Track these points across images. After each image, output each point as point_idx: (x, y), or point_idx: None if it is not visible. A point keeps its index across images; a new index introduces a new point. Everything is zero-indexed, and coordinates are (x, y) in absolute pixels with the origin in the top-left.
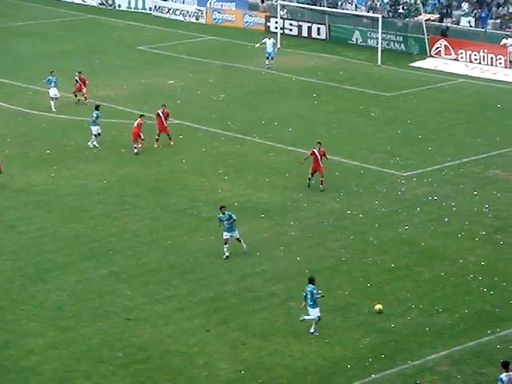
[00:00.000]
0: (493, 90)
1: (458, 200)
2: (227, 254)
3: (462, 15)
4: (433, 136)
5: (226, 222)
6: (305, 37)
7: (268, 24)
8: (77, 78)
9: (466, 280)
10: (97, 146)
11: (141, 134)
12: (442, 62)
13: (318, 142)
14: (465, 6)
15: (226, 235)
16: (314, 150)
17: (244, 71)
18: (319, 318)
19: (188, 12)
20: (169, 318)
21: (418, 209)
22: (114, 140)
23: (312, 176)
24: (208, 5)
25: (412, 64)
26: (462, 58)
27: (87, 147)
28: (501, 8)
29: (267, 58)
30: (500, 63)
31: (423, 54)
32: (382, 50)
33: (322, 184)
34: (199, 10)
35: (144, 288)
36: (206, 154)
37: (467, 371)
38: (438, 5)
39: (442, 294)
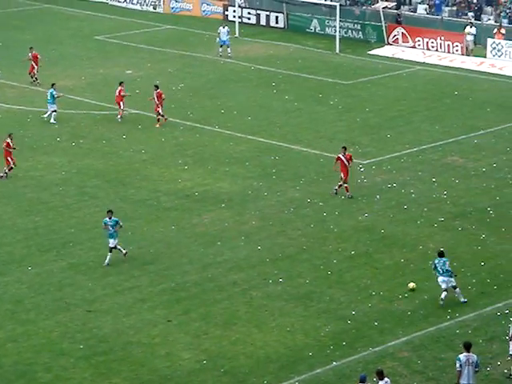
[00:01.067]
0: (450, 78)
1: (417, 187)
2: (108, 262)
3: (419, 2)
4: (391, 124)
5: (110, 228)
6: (263, 25)
7: (226, 13)
8: (30, 54)
9: (426, 266)
10: (53, 122)
11: (121, 103)
12: (399, 50)
13: (344, 147)
14: None
15: (111, 243)
16: (340, 155)
17: (202, 60)
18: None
19: (145, 1)
20: (130, 309)
21: (378, 196)
22: (73, 131)
23: (344, 183)
24: None
25: (370, 52)
26: (419, 45)
27: (45, 138)
28: None
29: (221, 46)
30: (457, 50)
31: (381, 42)
32: (340, 39)
33: (347, 190)
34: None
35: (104, 279)
36: (165, 143)
37: (427, 356)
38: None
39: (402, 280)
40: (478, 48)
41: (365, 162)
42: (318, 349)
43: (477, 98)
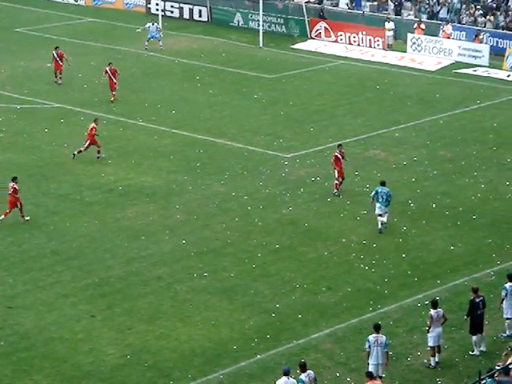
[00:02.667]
0: (372, 72)
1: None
2: None
3: None
4: (314, 117)
5: None
6: (186, 19)
7: (149, 6)
8: None
9: (349, 259)
10: None
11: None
12: (322, 44)
13: (339, 145)
14: None
15: None
16: (336, 153)
17: (126, 54)
18: None
19: None
20: (52, 304)
21: (302, 189)
22: None
23: (341, 182)
24: None
25: (293, 46)
26: (341, 40)
27: None
28: None
29: (149, 39)
30: (378, 45)
31: (304, 36)
32: (263, 33)
33: (336, 188)
34: None
35: (26, 275)
36: None
37: (350, 348)
38: None
39: (326, 273)
40: (398, 43)
41: (289, 156)
42: (242, 342)
43: (398, 92)
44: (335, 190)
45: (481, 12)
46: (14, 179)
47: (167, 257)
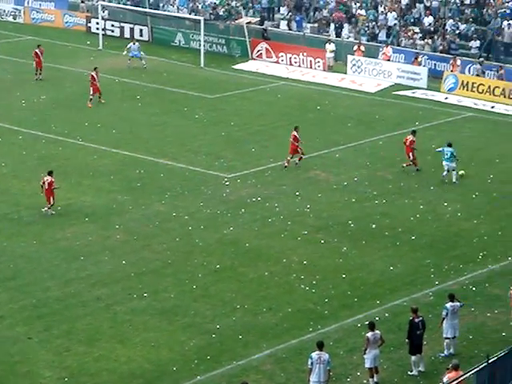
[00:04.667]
0: (312, 93)
1: (281, 201)
2: None
3: (282, 19)
4: (256, 137)
5: None
6: (127, 38)
7: (89, 25)
8: None
9: (289, 279)
10: None
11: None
12: (263, 65)
13: (295, 127)
14: (283, 9)
15: None
16: (294, 133)
17: (66, 72)
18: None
19: (5, 11)
20: None
21: (243, 210)
22: None
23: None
24: (26, 4)
25: (234, 66)
26: (282, 60)
27: None
28: (317, 12)
29: (130, 58)
30: (319, 66)
31: (245, 57)
32: (204, 53)
33: (288, 162)
34: (16, 9)
35: None
36: (27, 157)
37: (290, 369)
38: (258, 8)
39: (266, 293)
40: (338, 64)
41: (230, 176)
42: (182, 363)
43: (338, 113)
44: (286, 163)
45: (419, 35)
46: (51, 173)
47: (106, 277)
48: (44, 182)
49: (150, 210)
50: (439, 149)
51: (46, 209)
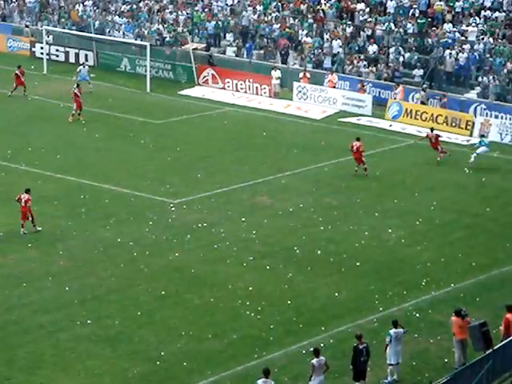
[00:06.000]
0: (259, 119)
1: (227, 226)
2: None
3: (228, 45)
4: (202, 163)
5: None
6: (72, 63)
7: (33, 49)
8: None
9: (235, 305)
10: None
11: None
12: (209, 91)
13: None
14: (229, 36)
15: None
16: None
17: (9, 97)
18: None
19: None
20: None
21: (189, 236)
22: None
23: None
24: None
25: (180, 92)
26: (228, 86)
27: None
28: (264, 39)
29: (79, 81)
30: (265, 92)
31: (191, 83)
32: (150, 78)
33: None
34: None
35: None
36: None
37: None
38: (205, 34)
39: (212, 320)
40: (284, 91)
41: (176, 202)
42: None
43: (284, 139)
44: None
45: (364, 63)
46: (28, 191)
47: (49, 304)
48: (20, 199)
49: (95, 236)
50: (477, 143)
51: (22, 230)
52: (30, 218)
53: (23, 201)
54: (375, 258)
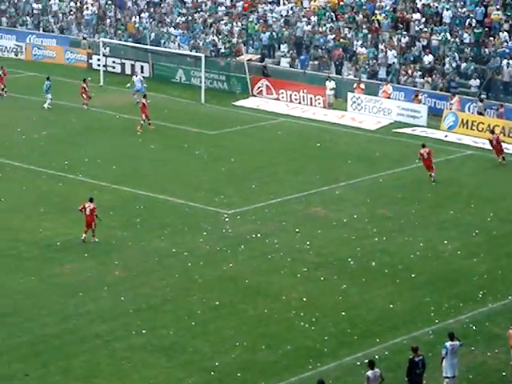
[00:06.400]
0: (313, 130)
1: (281, 237)
2: None
3: (282, 56)
4: (256, 174)
5: None
6: (128, 74)
7: (90, 61)
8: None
9: (289, 316)
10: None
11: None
12: (263, 102)
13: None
14: (284, 47)
15: None
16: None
17: (67, 108)
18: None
19: (6, 48)
20: None
21: (242, 246)
22: None
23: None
24: (28, 40)
25: (235, 103)
26: (282, 97)
27: None
28: (319, 50)
29: (135, 92)
30: (319, 103)
31: (246, 93)
32: (205, 89)
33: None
34: (18, 46)
35: None
36: (27, 192)
37: None
38: (259, 45)
39: (265, 330)
40: (339, 101)
41: (230, 212)
42: None
43: (338, 150)
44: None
45: (419, 73)
46: (92, 200)
47: (105, 314)
48: (85, 208)
49: (150, 246)
50: None
51: (84, 236)
52: (93, 228)
53: (88, 209)
54: (430, 269)
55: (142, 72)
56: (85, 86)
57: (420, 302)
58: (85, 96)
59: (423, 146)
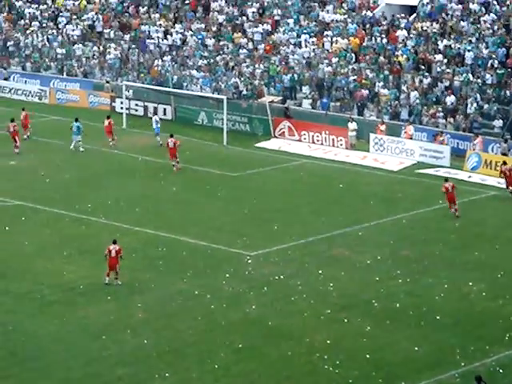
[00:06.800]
0: (335, 171)
1: (304, 279)
2: None
3: (304, 97)
4: (278, 215)
5: None
6: (150, 118)
7: (113, 104)
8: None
9: (313, 359)
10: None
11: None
12: (285, 143)
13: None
14: (305, 88)
15: None
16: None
17: (90, 151)
18: None
19: (30, 92)
20: None
21: (265, 288)
22: None
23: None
24: (51, 85)
25: (257, 144)
26: (305, 138)
27: None
28: (340, 91)
29: (156, 134)
30: (341, 144)
31: (268, 135)
32: (227, 131)
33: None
34: (42, 90)
35: None
36: (50, 235)
37: None
38: (281, 87)
39: (289, 373)
40: (361, 142)
41: (252, 254)
42: None
43: (361, 191)
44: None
45: (442, 114)
46: (115, 242)
47: (128, 357)
48: (110, 251)
49: (172, 289)
50: None
51: (108, 279)
52: (117, 270)
53: (113, 251)
54: (455, 311)
55: (165, 115)
56: (112, 122)
57: (445, 345)
58: (113, 134)
59: (446, 180)
